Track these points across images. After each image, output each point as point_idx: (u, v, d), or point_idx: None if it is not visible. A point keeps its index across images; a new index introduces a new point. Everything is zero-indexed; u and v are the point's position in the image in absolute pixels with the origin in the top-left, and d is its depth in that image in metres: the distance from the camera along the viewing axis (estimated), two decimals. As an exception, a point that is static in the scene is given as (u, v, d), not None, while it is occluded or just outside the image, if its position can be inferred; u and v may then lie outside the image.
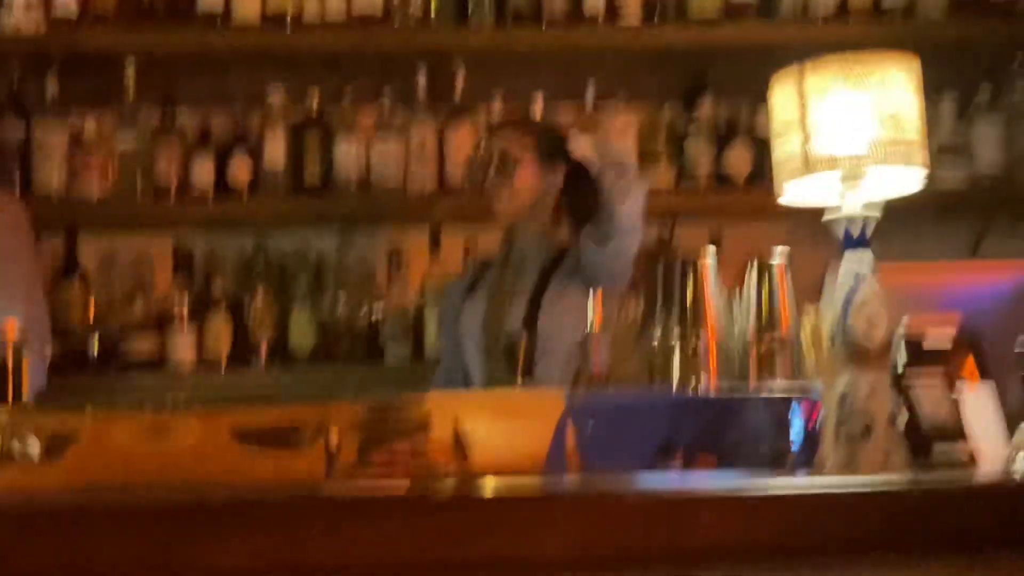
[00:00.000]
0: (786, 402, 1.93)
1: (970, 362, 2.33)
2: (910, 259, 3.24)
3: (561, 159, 2.92)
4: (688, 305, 2.08)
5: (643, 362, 2.11)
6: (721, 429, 1.95)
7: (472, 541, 1.60)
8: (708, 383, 2.06)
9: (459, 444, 1.93)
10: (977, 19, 3.70)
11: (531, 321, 2.86)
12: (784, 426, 1.92)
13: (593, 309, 2.17)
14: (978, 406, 1.97)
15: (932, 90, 3.52)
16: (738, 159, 3.68)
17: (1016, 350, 2.09)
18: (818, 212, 2.02)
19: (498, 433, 1.97)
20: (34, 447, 1.79)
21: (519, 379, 2.20)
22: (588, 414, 1.95)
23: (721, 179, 3.69)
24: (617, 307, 2.47)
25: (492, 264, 3.04)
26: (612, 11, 3.63)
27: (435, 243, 3.63)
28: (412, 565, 1.61)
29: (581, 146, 2.86)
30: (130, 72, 3.49)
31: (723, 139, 3.72)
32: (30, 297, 2.89)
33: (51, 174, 3.46)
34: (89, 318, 3.49)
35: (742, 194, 3.67)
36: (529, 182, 2.92)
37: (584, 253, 2.83)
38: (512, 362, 2.73)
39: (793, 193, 2.07)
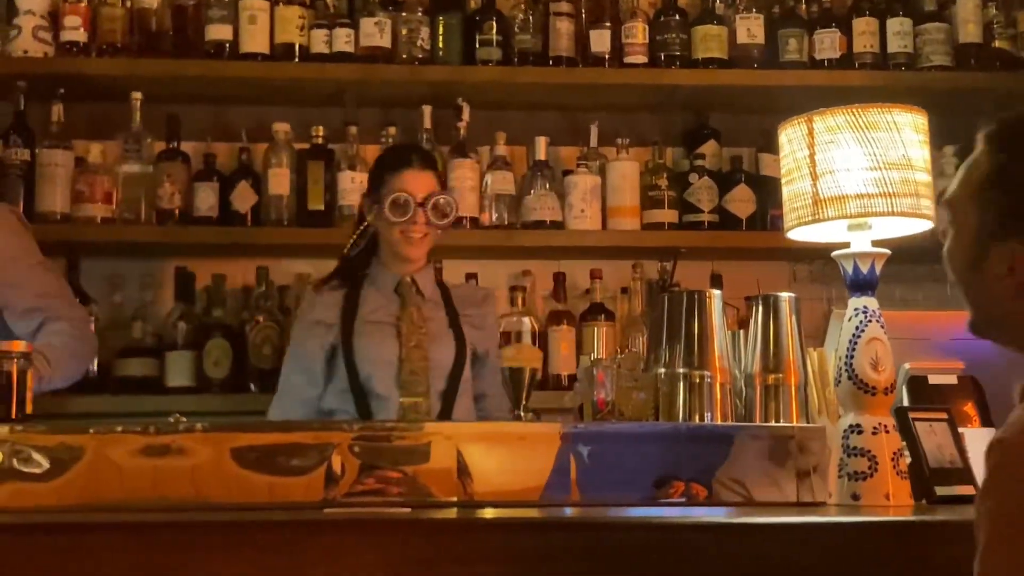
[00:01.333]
0: (789, 439, 1.94)
1: (971, 407, 2.34)
2: (912, 305, 3.27)
3: None
4: (694, 339, 2.10)
5: (647, 395, 2.12)
6: (722, 464, 1.96)
7: (472, 566, 1.61)
8: (712, 418, 2.07)
9: (459, 472, 1.93)
10: (981, 69, 3.72)
11: (459, 365, 2.94)
12: (786, 462, 1.92)
13: (597, 339, 2.19)
14: (979, 448, 1.97)
15: (936, 139, 3.57)
16: (740, 199, 3.70)
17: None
18: (817, 254, 2.04)
19: (498, 462, 1.98)
20: (38, 464, 1.78)
21: (520, 410, 2.20)
22: (589, 445, 1.96)
23: (723, 218, 3.70)
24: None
25: (360, 292, 3.02)
26: (617, 52, 3.65)
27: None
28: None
29: None
30: (136, 99, 3.49)
31: (725, 179, 3.73)
32: (63, 296, 2.92)
33: (55, 197, 3.45)
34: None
35: (743, 234, 3.69)
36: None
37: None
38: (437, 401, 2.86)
39: (800, 233, 2.08)
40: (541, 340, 3.52)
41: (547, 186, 3.64)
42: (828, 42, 3.72)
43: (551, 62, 3.64)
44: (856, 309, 1.96)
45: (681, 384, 2.10)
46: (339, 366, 2.92)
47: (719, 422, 2.08)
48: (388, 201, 2.87)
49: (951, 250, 1.55)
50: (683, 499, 1.96)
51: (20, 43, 3.45)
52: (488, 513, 1.87)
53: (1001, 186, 1.50)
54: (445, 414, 2.86)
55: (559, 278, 3.71)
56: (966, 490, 1.98)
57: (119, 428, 1.83)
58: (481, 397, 3.02)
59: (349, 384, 2.88)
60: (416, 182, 2.92)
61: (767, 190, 3.60)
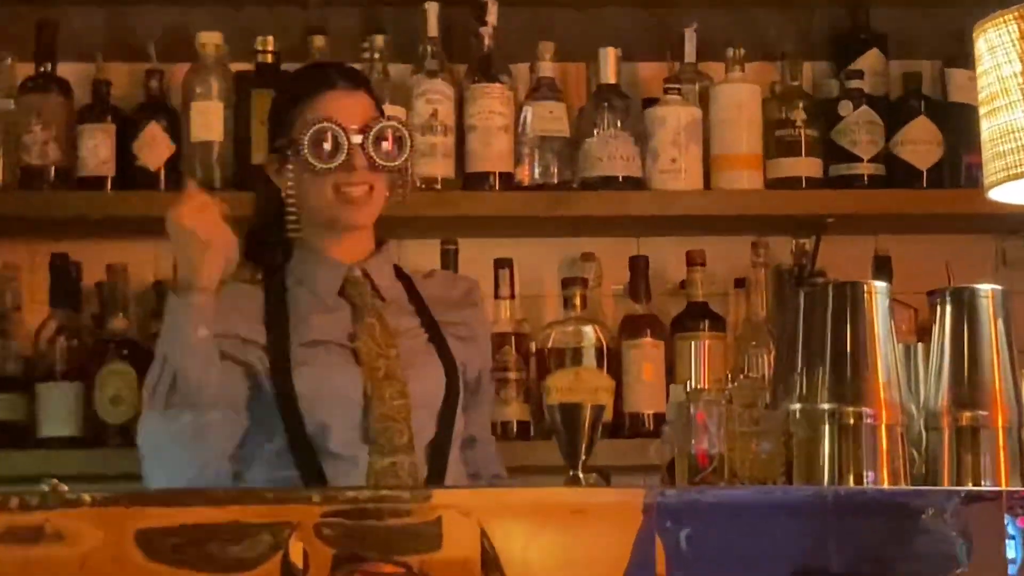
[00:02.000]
0: (998, 508, 1.93)
1: None
2: None
3: None
4: (846, 357, 2.09)
5: (774, 445, 2.12)
6: (888, 549, 1.95)
7: None
8: (874, 479, 2.06)
9: (485, 565, 1.92)
10: None
11: (451, 402, 2.92)
12: (998, 545, 1.91)
13: (694, 358, 2.17)
14: None
15: None
16: (918, 141, 3.71)
17: None
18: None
19: (546, 550, 1.96)
20: None
21: (578, 469, 2.20)
22: (686, 521, 1.94)
23: (892, 169, 3.73)
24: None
25: (295, 307, 2.96)
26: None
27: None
28: None
29: None
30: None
31: (895, 110, 3.76)
32: None
33: None
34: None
35: (924, 193, 3.70)
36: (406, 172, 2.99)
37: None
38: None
39: (1010, 191, 2.07)
40: (612, 361, 3.57)
41: (619, 124, 3.66)
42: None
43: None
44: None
45: (827, 427, 2.08)
46: (270, 416, 2.89)
47: (887, 485, 2.07)
48: (308, 137, 2.82)
49: None
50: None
51: None
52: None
53: None
54: (436, 476, 2.85)
55: (638, 266, 3.73)
56: None
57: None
58: (469, 443, 3.04)
59: (289, 441, 2.85)
60: (346, 108, 2.88)
61: (961, 126, 3.58)
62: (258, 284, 2.95)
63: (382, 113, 2.96)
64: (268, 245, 2.97)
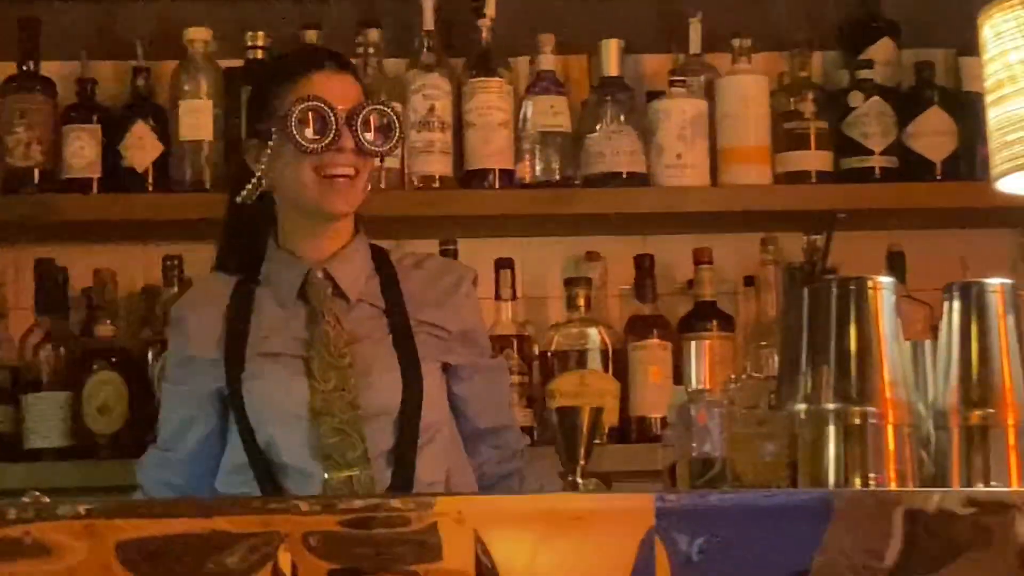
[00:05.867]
0: (1009, 509, 1.94)
1: None
2: None
3: None
4: (851, 356, 2.11)
5: (778, 446, 2.13)
6: (895, 551, 1.95)
7: None
8: (883, 480, 2.07)
9: (484, 573, 1.93)
10: None
11: (413, 405, 2.90)
12: (1006, 548, 1.92)
13: (696, 358, 2.17)
14: None
15: None
16: (932, 132, 3.72)
17: None
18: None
19: (547, 559, 1.97)
20: None
21: (576, 475, 2.21)
22: (690, 527, 1.95)
23: (906, 162, 3.74)
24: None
25: (250, 295, 2.99)
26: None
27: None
28: None
29: None
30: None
31: (908, 100, 3.77)
32: None
33: None
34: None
35: (938, 185, 3.71)
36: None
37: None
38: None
39: (1015, 181, 2.08)
40: (617, 363, 3.60)
41: (622, 118, 3.67)
42: None
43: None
44: None
45: (832, 428, 2.08)
46: (228, 428, 2.92)
47: (894, 487, 2.08)
48: (295, 115, 2.79)
49: None
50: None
51: None
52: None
53: None
54: (402, 485, 2.82)
55: (644, 264, 3.74)
56: None
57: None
58: (488, 436, 3.05)
59: (246, 454, 2.87)
60: (334, 89, 2.88)
61: (976, 116, 3.57)
62: (219, 295, 2.98)
63: (368, 99, 2.94)
64: (243, 251, 2.99)
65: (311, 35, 3.61)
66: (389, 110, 2.87)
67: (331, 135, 2.77)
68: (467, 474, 2.99)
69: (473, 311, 3.09)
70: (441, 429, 2.96)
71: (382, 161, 3.01)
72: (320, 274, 2.91)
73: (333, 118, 2.77)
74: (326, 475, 2.80)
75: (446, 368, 2.96)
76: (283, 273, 2.93)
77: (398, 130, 2.87)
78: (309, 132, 2.77)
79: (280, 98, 2.85)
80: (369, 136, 2.82)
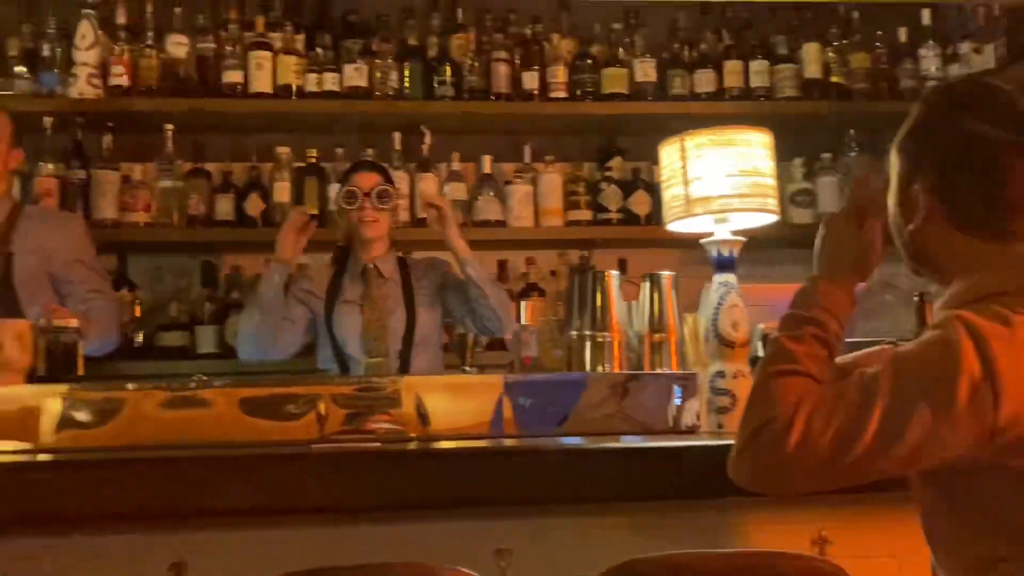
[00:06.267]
0: (670, 382, 1.95)
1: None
2: (769, 281, 3.30)
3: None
4: (598, 309, 2.10)
5: (563, 352, 2.12)
6: (621, 402, 1.95)
7: (432, 487, 1.61)
8: (611, 368, 2.07)
9: (420, 415, 1.92)
10: (822, 98, 3.76)
11: (410, 330, 2.89)
12: (669, 400, 1.93)
13: (526, 310, 2.19)
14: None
15: (787, 153, 3.61)
16: (640, 201, 3.71)
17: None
18: (697, 243, 2.02)
19: (452, 406, 1.96)
20: (88, 414, 1.77)
21: (465, 365, 2.20)
22: (521, 391, 1.94)
23: (627, 216, 3.71)
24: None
25: (343, 276, 2.98)
26: (544, 88, 3.66)
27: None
28: (385, 506, 1.62)
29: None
30: (169, 130, 3.47)
31: (629, 186, 3.74)
32: (104, 290, 2.87)
33: (106, 207, 3.43)
34: (135, 318, 3.46)
35: (642, 228, 3.69)
36: (397, 210, 3.03)
37: (480, 328, 2.88)
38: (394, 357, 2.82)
39: (678, 226, 2.08)
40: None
41: (491, 193, 3.64)
42: (705, 80, 3.74)
43: (493, 97, 3.64)
44: (719, 283, 1.96)
45: (588, 343, 2.08)
46: (325, 335, 2.92)
47: (617, 371, 2.07)
48: (342, 193, 2.91)
49: (889, 201, 1.46)
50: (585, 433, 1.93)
51: (77, 88, 3.40)
52: (443, 445, 1.87)
53: (912, 137, 1.43)
54: (404, 368, 2.83)
55: (502, 264, 3.70)
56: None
57: (150, 386, 1.82)
58: (474, 302, 2.87)
59: (332, 350, 2.88)
60: (363, 179, 2.92)
61: (660, 194, 3.59)
62: (332, 267, 3.01)
63: (389, 183, 2.96)
64: (339, 255, 3.02)
65: (339, 152, 3.56)
66: (390, 188, 2.91)
67: (356, 203, 2.87)
68: (438, 362, 2.96)
69: (440, 271, 3.04)
70: (428, 342, 2.92)
71: (395, 212, 3.03)
72: (372, 266, 2.93)
73: (359, 194, 2.89)
74: (367, 361, 2.81)
75: (444, 303, 2.95)
76: (356, 265, 2.96)
77: (393, 198, 2.92)
78: (347, 201, 2.91)
79: (342, 184, 2.97)
80: (379, 200, 2.90)
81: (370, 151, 3.54)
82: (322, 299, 2.94)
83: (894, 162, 1.46)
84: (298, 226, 2.89)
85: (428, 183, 3.57)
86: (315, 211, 3.39)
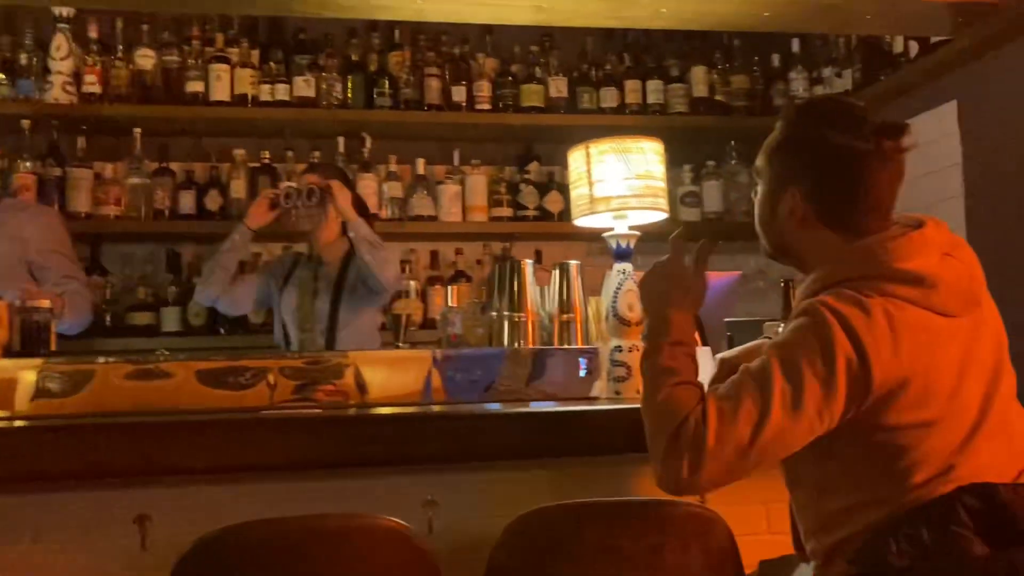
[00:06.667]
0: (576, 355, 1.96)
1: (696, 334, 2.40)
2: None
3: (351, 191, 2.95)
4: (515, 292, 2.10)
5: (485, 330, 2.12)
6: (534, 374, 1.96)
7: (369, 447, 1.61)
8: (526, 344, 2.08)
9: (359, 385, 1.90)
10: (708, 115, 3.81)
11: (335, 311, 2.82)
12: (575, 371, 1.94)
13: (454, 294, 2.17)
14: (703, 360, 2.03)
15: (677, 160, 3.65)
16: (553, 201, 3.72)
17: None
18: (599, 237, 2.03)
19: (387, 377, 1.95)
20: (61, 384, 1.72)
21: (400, 341, 2.19)
22: (449, 366, 1.94)
23: (543, 213, 3.71)
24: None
25: (298, 263, 2.95)
26: (471, 101, 3.64)
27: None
28: (327, 464, 1.61)
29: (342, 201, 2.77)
30: (137, 133, 3.37)
31: (544, 187, 3.74)
32: (77, 276, 2.78)
33: (81, 202, 3.32)
34: (107, 300, 3.36)
35: (555, 223, 3.69)
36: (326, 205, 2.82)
37: (369, 287, 2.79)
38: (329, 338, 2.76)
39: (584, 222, 2.08)
40: (422, 296, 3.52)
41: (425, 192, 3.61)
42: (609, 96, 3.77)
43: (426, 108, 3.60)
44: (618, 271, 1.98)
45: (506, 323, 2.08)
46: (277, 313, 2.90)
47: (531, 346, 2.07)
48: (282, 192, 2.82)
49: (759, 203, 1.49)
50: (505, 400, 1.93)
51: (53, 94, 3.28)
52: (379, 411, 1.86)
53: (783, 149, 1.46)
54: (330, 345, 2.77)
55: (434, 254, 3.68)
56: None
57: (116, 359, 1.77)
58: (359, 261, 2.77)
59: (280, 327, 2.86)
60: (302, 180, 2.86)
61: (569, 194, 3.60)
62: (289, 258, 2.99)
63: (335, 183, 2.84)
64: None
65: (289, 155, 3.49)
66: (315, 188, 2.79)
67: (291, 202, 2.80)
68: (375, 339, 2.87)
69: (368, 262, 2.84)
70: (356, 318, 2.83)
71: (322, 207, 2.83)
72: (316, 254, 2.91)
73: (294, 194, 2.80)
74: (300, 336, 2.78)
75: (365, 284, 2.78)
76: (309, 253, 2.94)
77: (317, 196, 2.79)
78: (286, 200, 2.82)
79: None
80: (309, 198, 2.80)
81: (316, 154, 3.50)
82: (279, 280, 2.90)
83: (764, 169, 1.48)
84: (267, 201, 2.83)
85: (367, 181, 3.54)
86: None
